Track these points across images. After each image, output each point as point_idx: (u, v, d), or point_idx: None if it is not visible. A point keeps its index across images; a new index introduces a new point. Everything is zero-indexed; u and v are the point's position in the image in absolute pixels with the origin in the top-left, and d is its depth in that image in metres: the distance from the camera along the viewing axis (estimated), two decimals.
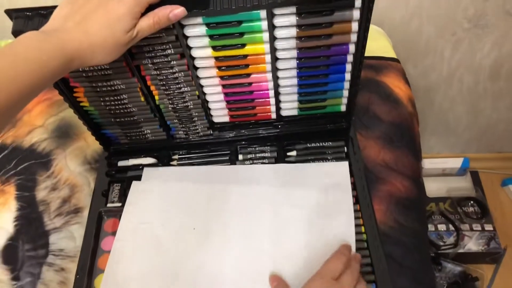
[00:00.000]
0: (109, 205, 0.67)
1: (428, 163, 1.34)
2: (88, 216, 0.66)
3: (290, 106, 0.69)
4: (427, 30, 1.05)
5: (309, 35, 0.57)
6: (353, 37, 0.58)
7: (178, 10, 0.50)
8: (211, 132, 0.73)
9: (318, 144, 0.72)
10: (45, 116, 0.79)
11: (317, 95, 0.67)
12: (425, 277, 0.63)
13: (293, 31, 0.56)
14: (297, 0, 0.52)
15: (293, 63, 0.61)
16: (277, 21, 0.55)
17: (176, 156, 0.73)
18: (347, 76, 0.64)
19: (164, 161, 0.72)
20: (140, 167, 0.71)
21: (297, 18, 0.54)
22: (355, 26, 0.57)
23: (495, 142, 1.40)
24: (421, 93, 1.21)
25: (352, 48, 0.60)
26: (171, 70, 0.61)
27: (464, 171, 1.36)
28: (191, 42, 0.57)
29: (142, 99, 0.65)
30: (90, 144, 0.76)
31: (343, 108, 0.70)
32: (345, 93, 0.67)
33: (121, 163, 0.72)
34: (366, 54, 0.85)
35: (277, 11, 0.54)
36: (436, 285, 0.68)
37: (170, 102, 0.66)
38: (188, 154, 0.73)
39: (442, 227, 1.24)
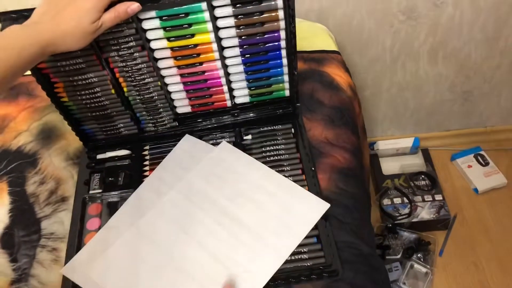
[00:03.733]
0: (91, 192, 0.77)
1: (382, 145, 1.48)
2: (74, 202, 0.76)
3: (241, 93, 0.80)
4: (367, 24, 1.17)
5: (246, 24, 0.69)
6: (282, 24, 0.70)
7: (134, 5, 0.62)
8: (177, 124, 0.84)
9: (270, 128, 0.84)
10: (29, 122, 0.89)
11: (263, 81, 0.78)
12: (364, 232, 0.75)
13: (232, 21, 0.69)
14: None
15: (237, 51, 0.73)
16: (217, 12, 0.67)
17: (147, 147, 0.83)
18: (285, 61, 0.76)
19: (137, 152, 0.83)
20: (116, 158, 0.82)
21: (233, 8, 0.67)
22: (281, 13, 0.69)
23: (441, 121, 1.54)
24: (370, 81, 1.34)
25: (283, 34, 0.72)
26: (134, 62, 0.72)
27: (416, 149, 1.50)
28: (149, 35, 0.69)
29: (113, 91, 0.76)
30: (71, 142, 0.85)
31: (287, 93, 0.81)
32: (286, 78, 0.79)
33: (99, 156, 0.83)
34: (310, 49, 0.99)
35: (215, 2, 0.66)
36: (374, 238, 0.79)
37: (137, 93, 0.77)
38: (158, 145, 0.84)
39: (397, 200, 1.37)
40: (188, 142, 0.82)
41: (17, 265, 0.72)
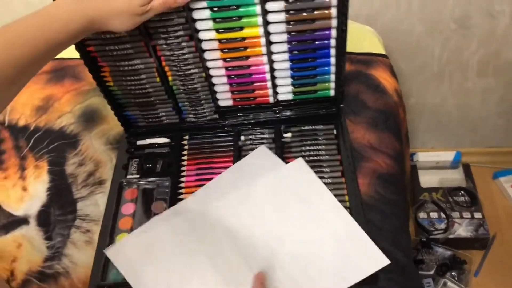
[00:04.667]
0: (128, 176, 0.77)
1: (422, 156, 1.43)
2: (111, 186, 0.77)
3: (285, 90, 0.79)
4: (417, 30, 1.14)
5: (296, 20, 0.68)
6: (334, 22, 0.68)
7: None
8: (217, 116, 0.83)
9: (311, 127, 0.82)
10: (73, 104, 0.90)
11: (308, 79, 0.77)
12: (401, 240, 0.72)
13: (283, 16, 0.67)
14: None
15: (285, 47, 0.71)
16: (268, 6, 0.66)
17: (187, 136, 0.83)
18: (333, 60, 0.74)
19: (176, 140, 0.82)
20: (155, 145, 0.82)
21: (285, 3, 0.66)
22: (334, 11, 0.67)
23: (486, 136, 1.49)
24: (415, 89, 1.31)
25: (334, 33, 0.70)
26: (181, 51, 0.72)
27: (456, 164, 1.45)
28: (198, 25, 0.68)
29: (158, 79, 0.75)
30: (112, 127, 0.86)
31: (332, 93, 0.79)
32: (333, 77, 0.77)
33: (139, 142, 0.83)
34: (358, 51, 0.97)
35: None
36: (411, 248, 0.76)
37: (182, 83, 0.77)
38: (197, 135, 0.83)
39: (434, 214, 1.33)
40: (261, 153, 0.79)
41: (51, 243, 0.73)
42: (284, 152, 0.78)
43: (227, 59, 0.73)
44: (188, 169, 0.79)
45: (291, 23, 0.68)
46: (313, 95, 0.80)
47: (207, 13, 0.66)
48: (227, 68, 0.75)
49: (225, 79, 0.76)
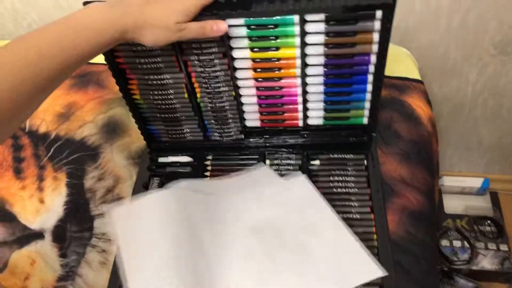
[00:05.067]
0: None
1: (448, 181, 1.38)
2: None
3: (316, 115, 0.75)
4: (454, 53, 1.09)
5: (336, 43, 0.64)
6: (375, 48, 0.65)
7: (222, 25, 0.60)
8: (243, 137, 0.80)
9: (340, 156, 0.78)
10: (95, 113, 0.88)
11: (341, 105, 0.73)
12: (429, 285, 0.69)
13: (322, 38, 0.64)
14: (326, 7, 0.60)
15: (321, 70, 0.68)
16: (308, 27, 0.63)
17: (210, 157, 0.80)
18: (369, 87, 0.70)
19: (199, 160, 0.80)
20: (178, 164, 0.79)
21: (326, 25, 0.62)
22: (376, 37, 0.63)
23: None
24: (446, 113, 1.26)
25: (373, 58, 0.66)
26: (213, 69, 0.69)
27: (483, 191, 1.39)
28: (233, 43, 0.65)
29: (186, 95, 0.73)
30: (134, 140, 0.84)
31: (365, 120, 0.76)
32: (367, 105, 0.73)
33: (161, 159, 0.80)
34: (392, 74, 0.93)
35: (308, 17, 0.62)
36: None
37: (210, 101, 0.74)
38: (221, 156, 0.80)
39: (457, 243, 1.28)
40: (263, 172, 0.76)
41: (66, 261, 0.71)
42: (311, 181, 0.74)
43: (259, 79, 0.70)
44: None
45: (330, 46, 0.65)
46: (344, 121, 0.77)
47: (243, 31, 0.64)
48: (258, 88, 0.71)
49: (254, 99, 0.73)
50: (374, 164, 0.76)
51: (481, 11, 0.99)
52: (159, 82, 0.71)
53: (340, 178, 0.75)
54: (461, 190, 1.40)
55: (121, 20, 0.54)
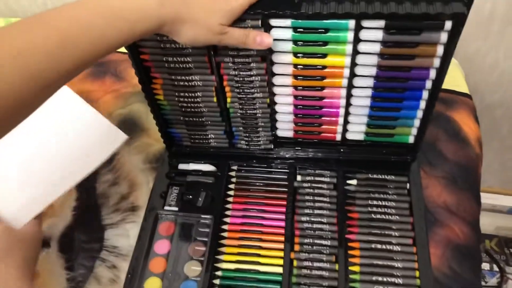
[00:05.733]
0: (166, 207, 0.68)
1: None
2: (144, 217, 0.67)
3: (357, 129, 0.68)
4: (502, 65, 1.00)
5: (392, 54, 0.56)
6: (436, 62, 0.57)
7: (266, 38, 0.53)
8: (272, 147, 0.72)
9: (380, 176, 0.70)
10: (112, 107, 0.81)
11: (387, 121, 0.66)
12: None
13: (377, 47, 0.56)
14: (389, 14, 0.51)
15: (370, 82, 0.60)
16: (363, 34, 0.55)
17: (235, 167, 0.73)
18: (422, 104, 0.63)
19: (223, 170, 0.72)
20: (200, 173, 0.72)
21: (384, 34, 0.54)
22: (440, 49, 0.55)
23: None
24: (484, 127, 1.16)
25: (432, 73, 0.59)
26: (249, 73, 0.62)
27: None
28: (274, 46, 0.57)
29: (215, 99, 0.66)
30: (153, 142, 0.77)
31: (411, 139, 0.68)
32: (416, 123, 0.66)
33: (181, 166, 0.73)
34: None
35: (366, 23, 0.54)
36: None
37: (240, 107, 0.67)
38: (247, 167, 0.73)
39: (485, 266, 1.21)
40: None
41: (72, 275, 0.64)
42: (346, 204, 0.67)
43: (299, 87, 0.62)
44: (234, 207, 0.69)
45: (385, 56, 0.57)
46: (388, 139, 0.69)
47: (288, 34, 0.56)
48: (296, 97, 0.64)
49: (290, 109, 0.66)
50: (418, 188, 0.68)
51: None
52: (186, 84, 0.64)
53: (380, 203, 0.67)
54: (492, 208, 1.32)
55: (161, 11, 0.46)
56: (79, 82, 0.85)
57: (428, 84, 0.60)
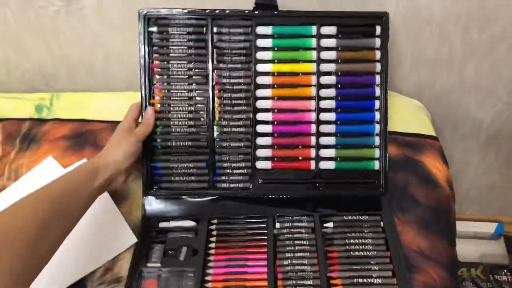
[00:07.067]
0: (149, 264, 0.69)
1: (460, 226, 1.32)
2: (128, 275, 0.68)
3: (328, 154, 0.76)
4: (467, 101, 1.05)
5: (345, 58, 0.74)
6: (378, 67, 0.74)
7: (148, 109, 0.74)
8: (250, 186, 0.76)
9: (355, 217, 0.74)
10: None
11: (352, 137, 0.75)
12: None
13: (333, 54, 0.74)
14: (338, 20, 0.74)
15: (333, 92, 0.75)
16: (322, 41, 0.74)
17: (215, 221, 0.75)
18: (377, 115, 0.75)
19: (204, 223, 0.75)
20: (180, 229, 0.74)
21: (336, 40, 0.74)
22: (378, 54, 0.74)
23: None
24: (457, 159, 1.21)
25: (378, 79, 0.75)
26: (238, 80, 0.75)
27: (498, 236, 1.34)
28: (259, 55, 0.74)
29: (205, 115, 0.75)
30: (133, 211, 0.78)
31: (376, 165, 0.74)
32: (377, 141, 0.75)
33: (162, 225, 0.75)
34: (405, 130, 0.88)
35: (324, 30, 0.74)
36: None
37: (226, 123, 0.75)
38: (227, 219, 0.76)
39: None
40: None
41: None
42: (326, 245, 0.71)
43: (276, 98, 0.75)
44: (217, 259, 0.71)
45: (339, 61, 0.74)
46: (356, 164, 0.76)
47: (269, 42, 0.74)
48: (274, 111, 0.75)
49: (269, 128, 0.76)
50: (391, 224, 0.73)
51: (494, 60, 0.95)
52: (183, 94, 0.75)
53: (357, 241, 0.71)
54: (474, 235, 1.35)
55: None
56: (59, 157, 0.86)
57: (378, 91, 0.75)
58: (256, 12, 0.74)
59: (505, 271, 1.27)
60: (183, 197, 0.77)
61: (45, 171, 0.84)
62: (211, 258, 0.71)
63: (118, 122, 0.89)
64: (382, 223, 0.73)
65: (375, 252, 0.70)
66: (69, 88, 1.06)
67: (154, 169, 0.76)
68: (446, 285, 0.69)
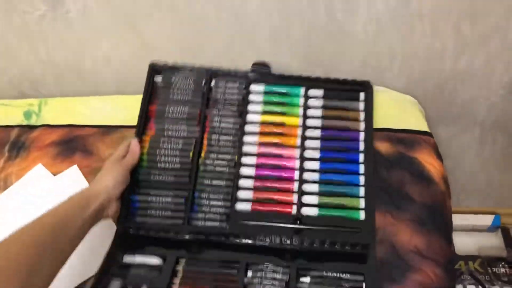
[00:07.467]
0: None
1: (458, 219, 1.32)
2: None
3: (310, 201, 0.72)
4: (461, 95, 1.04)
5: (330, 116, 0.77)
6: (362, 126, 0.77)
7: (133, 141, 0.74)
8: (227, 227, 0.71)
9: (335, 275, 0.67)
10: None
11: (336, 185, 0.73)
12: None
13: (319, 112, 0.77)
14: (326, 84, 0.79)
15: (317, 144, 0.76)
16: (310, 100, 0.78)
17: (183, 260, 0.70)
18: (361, 168, 0.73)
19: (170, 262, 0.69)
20: (144, 267, 0.69)
21: (323, 100, 0.78)
22: (362, 115, 0.77)
23: None
24: (453, 153, 1.20)
25: (362, 136, 0.76)
26: (227, 125, 0.77)
27: (495, 228, 1.33)
28: (250, 106, 0.78)
29: (191, 154, 0.74)
30: None
31: (362, 215, 0.70)
32: (362, 192, 0.72)
33: (126, 259, 0.70)
34: (398, 126, 0.87)
35: (311, 92, 0.79)
36: None
37: (211, 162, 0.75)
38: (196, 259, 0.70)
39: None
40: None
41: None
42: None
43: (263, 143, 0.76)
44: None
45: (324, 118, 0.77)
46: (340, 212, 0.71)
47: (260, 98, 0.79)
48: (259, 155, 0.75)
49: (253, 171, 0.74)
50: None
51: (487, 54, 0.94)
52: (173, 134, 0.76)
53: None
54: (471, 228, 1.34)
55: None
56: (49, 165, 0.85)
57: (362, 146, 0.75)
58: (251, 73, 0.80)
59: (503, 263, 1.26)
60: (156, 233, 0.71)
61: (35, 179, 0.83)
62: None
63: (108, 126, 0.90)
64: (364, 284, 0.66)
65: None
66: (57, 93, 1.04)
67: (132, 202, 0.72)
68: (443, 284, 0.68)
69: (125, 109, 0.94)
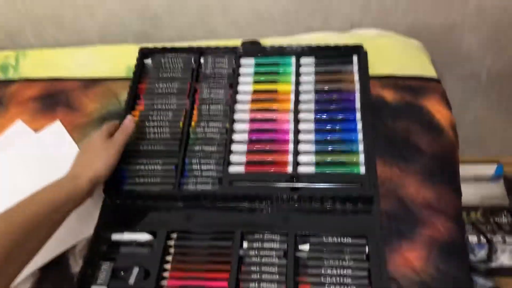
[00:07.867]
0: (93, 287, 0.61)
1: (460, 169, 1.29)
2: None
3: (307, 160, 0.68)
4: (468, 39, 0.98)
5: (324, 80, 0.75)
6: (357, 86, 0.74)
7: (126, 120, 0.68)
8: (219, 189, 0.67)
9: (336, 240, 0.63)
10: None
11: (333, 144, 0.69)
12: None
13: (312, 77, 0.76)
14: (317, 52, 0.77)
15: (312, 106, 0.73)
16: (301, 68, 0.77)
17: (175, 235, 0.65)
18: (359, 125, 0.70)
19: (160, 240, 0.64)
20: (134, 244, 0.65)
21: (316, 67, 0.77)
22: (356, 76, 0.75)
23: None
24: (458, 100, 1.15)
25: (357, 95, 0.73)
26: (217, 96, 0.75)
27: (498, 178, 1.30)
28: (241, 78, 0.77)
29: (181, 124, 0.72)
30: None
31: (362, 170, 0.66)
32: (361, 147, 0.68)
33: (115, 237, 0.66)
34: (404, 73, 0.81)
35: (303, 61, 0.77)
36: None
37: (202, 131, 0.72)
38: (188, 234, 0.66)
39: (473, 238, 1.19)
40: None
41: None
42: (298, 273, 0.61)
43: (255, 109, 0.73)
44: (171, 284, 0.61)
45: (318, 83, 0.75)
46: (338, 168, 0.67)
47: (251, 70, 0.78)
48: (252, 120, 0.72)
49: (245, 136, 0.71)
50: (379, 251, 0.61)
51: None
52: (163, 107, 0.74)
53: (334, 272, 0.60)
54: (474, 178, 1.31)
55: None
56: (29, 121, 0.80)
57: (358, 104, 0.72)
58: (241, 47, 0.79)
59: (505, 212, 1.24)
60: (145, 202, 0.68)
61: (15, 136, 0.78)
62: (165, 282, 0.61)
63: (92, 79, 0.83)
64: (367, 248, 0.61)
65: (354, 287, 0.59)
66: (37, 44, 0.97)
67: (120, 171, 0.68)
68: (454, 238, 0.65)
69: (109, 60, 0.87)
